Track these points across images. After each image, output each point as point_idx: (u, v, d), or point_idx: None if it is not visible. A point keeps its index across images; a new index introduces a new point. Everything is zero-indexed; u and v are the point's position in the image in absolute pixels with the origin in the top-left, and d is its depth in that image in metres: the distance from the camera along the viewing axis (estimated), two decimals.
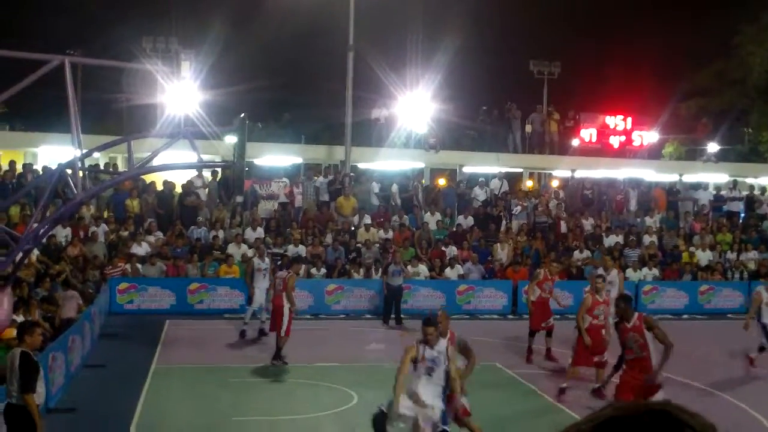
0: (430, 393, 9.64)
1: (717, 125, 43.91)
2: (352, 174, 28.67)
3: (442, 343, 9.87)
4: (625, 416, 1.70)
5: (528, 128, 33.97)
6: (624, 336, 10.70)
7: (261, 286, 19.01)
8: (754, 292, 17.53)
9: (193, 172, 26.16)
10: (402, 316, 21.00)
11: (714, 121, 47.08)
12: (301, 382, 14.70)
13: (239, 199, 24.44)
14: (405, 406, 9.52)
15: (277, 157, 31.28)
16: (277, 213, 25.85)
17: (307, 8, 35.34)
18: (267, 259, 19.73)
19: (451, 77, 41.52)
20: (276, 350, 15.93)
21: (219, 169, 27.02)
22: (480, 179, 29.35)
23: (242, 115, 15.14)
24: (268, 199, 26.42)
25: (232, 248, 23.26)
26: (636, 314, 10.74)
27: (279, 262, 19.23)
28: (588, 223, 27.11)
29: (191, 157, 15.74)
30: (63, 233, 22.45)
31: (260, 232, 24.03)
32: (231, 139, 23.59)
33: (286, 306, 15.91)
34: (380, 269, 22.47)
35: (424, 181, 30.64)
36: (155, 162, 17.34)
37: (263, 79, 45.17)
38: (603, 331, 13.76)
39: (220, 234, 24.15)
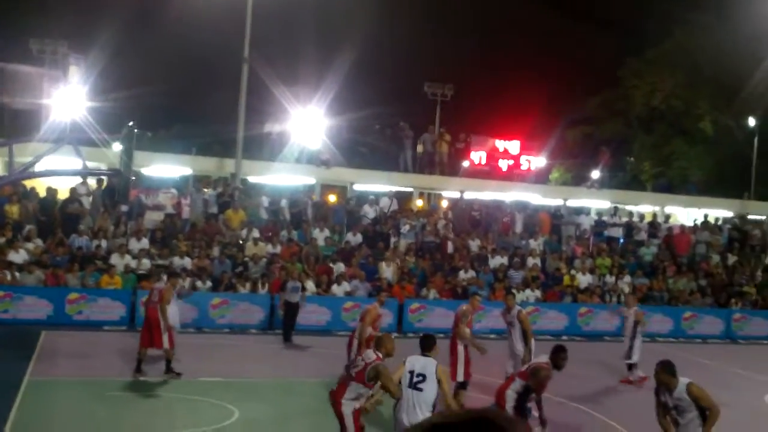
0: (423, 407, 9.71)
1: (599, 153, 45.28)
2: (241, 187, 28.44)
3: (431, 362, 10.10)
4: (447, 423, 1.75)
5: (419, 148, 34.39)
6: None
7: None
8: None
9: (78, 179, 25.47)
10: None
11: (597, 149, 48.61)
12: (181, 397, 14.44)
13: (124, 208, 23.93)
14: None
15: (166, 167, 30.76)
16: (163, 224, 25.39)
17: (202, 17, 35.04)
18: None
19: (345, 95, 41.72)
20: (166, 364, 15.74)
21: (105, 177, 26.42)
22: (370, 197, 29.55)
23: (130, 123, 14.86)
24: (154, 210, 25.91)
25: (115, 258, 22.71)
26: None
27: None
28: (474, 244, 27.58)
29: (76, 163, 15.35)
30: None
31: (145, 242, 23.57)
32: (119, 147, 23.10)
33: (163, 318, 15.65)
34: (266, 284, 22.35)
35: (314, 196, 30.65)
36: (38, 167, 16.85)
37: (155, 87, 44.44)
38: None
39: (103, 243, 23.54)
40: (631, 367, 18.02)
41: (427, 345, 10.18)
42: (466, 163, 37.24)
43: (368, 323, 14.27)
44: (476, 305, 14.94)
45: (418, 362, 9.90)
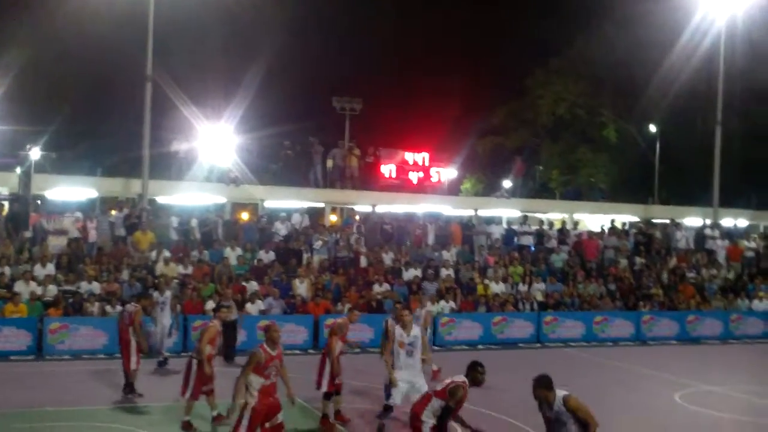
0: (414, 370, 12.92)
1: (510, 162, 45.99)
2: (149, 208, 27.91)
3: (417, 330, 13.19)
4: None
5: (329, 163, 34.35)
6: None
7: (160, 319, 19.41)
8: None
9: None
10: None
11: (507, 159, 49.42)
12: (90, 425, 13.99)
13: (27, 234, 23.24)
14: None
15: (71, 190, 30.01)
16: (69, 248, 24.70)
17: (105, 36, 34.43)
18: (168, 292, 20.16)
19: (253, 111, 41.57)
20: (127, 382, 16.00)
21: (6, 203, 25.65)
22: (282, 214, 29.35)
23: (27, 146, 14.43)
24: (56, 235, 25.16)
25: (19, 285, 21.94)
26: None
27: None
28: (388, 257, 27.60)
29: None
30: None
31: (51, 268, 22.86)
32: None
33: (133, 339, 15.93)
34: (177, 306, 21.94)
35: (225, 215, 30.29)
36: None
37: (58, 107, 43.47)
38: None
39: (7, 270, 22.75)
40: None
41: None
42: (377, 177, 37.34)
43: (341, 337, 14.29)
44: (353, 319, 15.11)
45: None
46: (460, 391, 10.19)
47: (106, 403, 15.56)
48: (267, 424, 10.96)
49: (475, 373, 10.43)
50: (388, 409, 13.33)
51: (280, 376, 11.34)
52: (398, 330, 13.23)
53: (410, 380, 13.06)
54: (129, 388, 16.03)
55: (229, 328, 20.38)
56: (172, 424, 13.68)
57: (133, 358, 15.95)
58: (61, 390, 15.94)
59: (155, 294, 19.99)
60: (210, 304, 21.87)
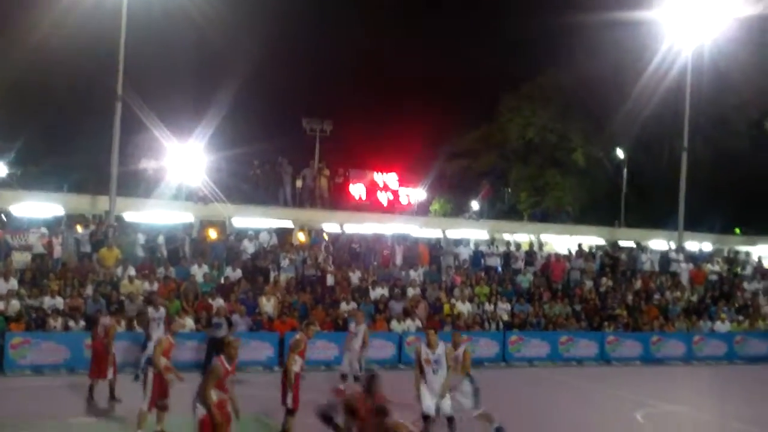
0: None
1: (478, 185, 46.31)
2: (116, 225, 27.77)
3: (441, 347, 13.96)
4: None
5: (299, 183, 34.42)
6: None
7: (156, 335, 18.91)
8: None
9: None
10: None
11: (476, 181, 49.73)
12: None
13: None
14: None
15: (36, 206, 29.79)
16: (33, 264, 24.50)
17: (74, 52, 34.30)
18: (162, 309, 20.33)
19: (223, 131, 41.47)
20: (111, 392, 16.81)
21: None
22: (249, 232, 29.32)
23: None
24: (21, 251, 24.96)
25: None
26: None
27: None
28: (355, 276, 27.64)
29: None
30: None
31: (14, 283, 22.64)
32: None
33: (109, 351, 16.83)
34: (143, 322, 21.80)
35: (193, 233, 30.19)
36: None
37: (25, 122, 43.15)
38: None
39: None
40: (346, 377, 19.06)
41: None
42: (346, 197, 37.47)
43: (299, 353, 14.36)
44: (310, 335, 15.10)
45: None
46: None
47: (64, 418, 15.44)
48: None
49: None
50: (426, 419, 13.84)
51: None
52: (424, 348, 14.12)
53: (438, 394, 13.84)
54: (111, 396, 16.81)
55: (218, 345, 20.47)
56: None
57: (110, 369, 16.76)
58: (22, 404, 15.79)
59: (150, 310, 20.34)
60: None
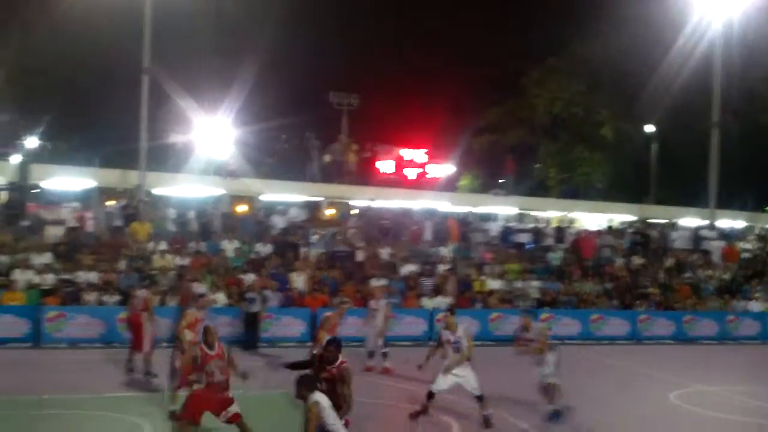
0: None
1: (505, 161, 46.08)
2: (147, 199, 27.85)
3: (461, 329, 14.21)
4: None
5: (327, 158, 34.37)
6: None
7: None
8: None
9: None
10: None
11: (504, 156, 49.43)
12: (89, 414, 13.96)
13: (25, 222, 23.20)
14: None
15: (68, 180, 29.92)
16: (66, 238, 24.65)
17: (102, 27, 34.28)
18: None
19: (251, 106, 41.39)
20: (146, 366, 16.63)
21: (4, 192, 25.61)
22: (279, 207, 29.30)
23: (23, 136, 14.43)
24: (54, 225, 25.12)
25: (17, 273, 21.91)
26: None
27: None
28: (385, 252, 27.56)
29: None
30: None
31: (48, 257, 22.82)
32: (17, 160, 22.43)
33: (147, 323, 16.75)
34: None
35: (223, 207, 30.22)
36: None
37: (55, 97, 43.24)
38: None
39: (4, 259, 22.71)
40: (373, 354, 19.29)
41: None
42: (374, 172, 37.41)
43: (327, 330, 14.84)
44: (342, 312, 15.56)
45: None
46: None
47: (101, 391, 15.54)
48: (220, 417, 11.46)
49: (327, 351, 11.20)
50: (430, 395, 14.06)
51: (229, 370, 11.67)
52: (444, 331, 14.34)
53: (459, 373, 14.04)
54: (146, 371, 16.67)
55: (252, 319, 20.74)
56: (165, 413, 13.66)
57: (146, 342, 16.69)
58: (59, 378, 15.92)
59: (194, 285, 20.64)
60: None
